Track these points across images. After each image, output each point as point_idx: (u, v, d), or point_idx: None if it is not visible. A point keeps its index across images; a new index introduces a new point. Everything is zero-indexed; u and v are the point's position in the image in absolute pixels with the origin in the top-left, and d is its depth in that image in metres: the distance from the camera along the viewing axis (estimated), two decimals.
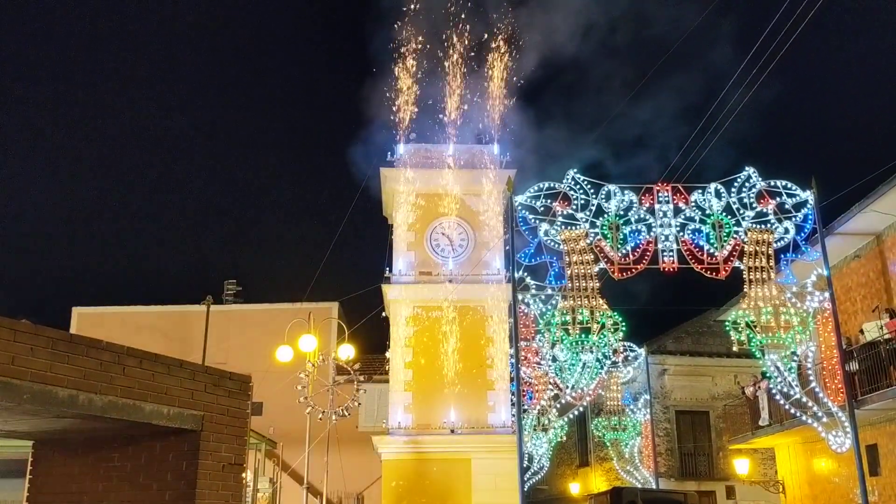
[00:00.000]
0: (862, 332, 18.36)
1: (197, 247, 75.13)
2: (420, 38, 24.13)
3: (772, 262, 17.25)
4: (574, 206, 17.52)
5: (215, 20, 74.19)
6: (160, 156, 77.19)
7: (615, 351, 19.90)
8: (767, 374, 17.48)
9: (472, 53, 24.35)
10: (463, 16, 24.01)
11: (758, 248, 17.21)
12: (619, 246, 17.23)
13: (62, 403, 6.21)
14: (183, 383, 7.32)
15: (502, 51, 24.53)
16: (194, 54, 76.65)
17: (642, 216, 17.46)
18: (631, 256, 17.20)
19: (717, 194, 17.61)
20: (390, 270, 24.02)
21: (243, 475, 8.12)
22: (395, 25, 24.25)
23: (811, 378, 17.03)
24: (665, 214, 17.43)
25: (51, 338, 6.24)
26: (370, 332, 28.43)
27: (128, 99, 74.72)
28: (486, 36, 24.37)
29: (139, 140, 75.25)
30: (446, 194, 24.25)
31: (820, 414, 16.96)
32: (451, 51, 24.32)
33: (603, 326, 16.68)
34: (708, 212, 17.51)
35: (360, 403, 19.23)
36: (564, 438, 23.85)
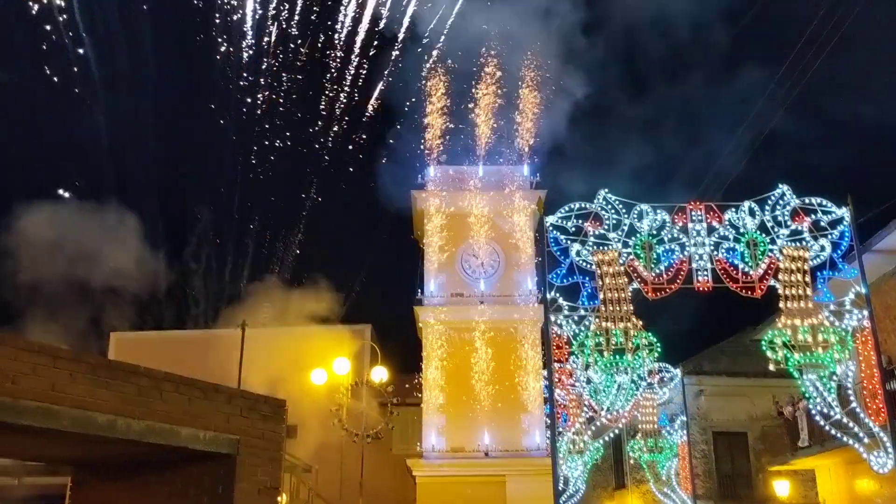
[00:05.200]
0: None
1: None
2: (450, 62, 24.32)
3: (808, 280, 17.00)
4: (606, 226, 17.42)
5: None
6: (192, 176, 78.18)
7: (650, 372, 19.70)
8: (806, 395, 17.19)
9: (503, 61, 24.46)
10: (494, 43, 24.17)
11: (793, 266, 16.99)
12: (653, 266, 17.10)
13: (101, 429, 6.28)
14: (219, 408, 7.38)
15: (533, 71, 24.62)
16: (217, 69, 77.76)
17: (675, 235, 17.32)
18: (665, 276, 17.06)
19: (751, 212, 17.43)
20: (422, 292, 24.04)
21: (278, 498, 8.15)
22: (428, 50, 24.51)
23: (851, 398, 16.71)
24: (698, 233, 17.28)
25: (91, 364, 6.33)
26: (403, 353, 28.44)
27: (161, 118, 75.86)
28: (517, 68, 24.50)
29: (167, 160, 76.31)
30: (476, 216, 24.27)
31: (861, 434, 16.63)
32: (482, 73, 24.47)
33: (637, 347, 16.52)
34: (742, 230, 17.33)
35: (392, 426, 19.23)
36: (600, 461, 23.59)
